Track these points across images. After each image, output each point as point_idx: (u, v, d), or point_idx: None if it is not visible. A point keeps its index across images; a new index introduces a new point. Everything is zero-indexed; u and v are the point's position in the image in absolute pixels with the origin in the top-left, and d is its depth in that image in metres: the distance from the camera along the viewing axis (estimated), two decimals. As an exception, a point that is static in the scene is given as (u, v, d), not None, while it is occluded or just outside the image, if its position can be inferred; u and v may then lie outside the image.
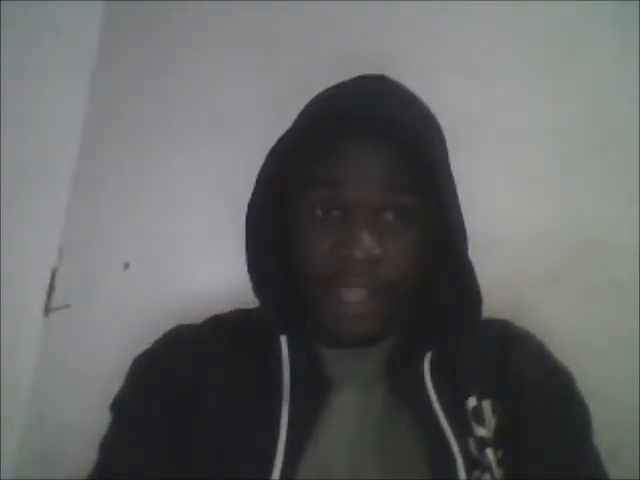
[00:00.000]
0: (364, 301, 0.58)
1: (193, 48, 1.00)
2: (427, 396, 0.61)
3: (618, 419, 0.76)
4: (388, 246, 0.58)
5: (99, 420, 0.65)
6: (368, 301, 0.58)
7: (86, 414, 0.88)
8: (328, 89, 0.65)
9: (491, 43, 0.91)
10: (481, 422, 0.60)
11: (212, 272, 0.92)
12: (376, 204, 0.58)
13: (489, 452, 0.59)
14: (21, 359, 0.93)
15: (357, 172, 0.58)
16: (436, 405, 0.60)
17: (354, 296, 0.58)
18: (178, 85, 0.99)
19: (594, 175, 0.86)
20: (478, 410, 0.61)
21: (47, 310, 0.96)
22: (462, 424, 0.60)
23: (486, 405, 0.61)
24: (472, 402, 0.61)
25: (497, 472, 0.58)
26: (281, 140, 0.60)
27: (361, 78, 0.65)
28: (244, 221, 0.63)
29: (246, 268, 0.64)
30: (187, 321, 0.72)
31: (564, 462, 0.59)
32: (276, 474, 0.57)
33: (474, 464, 0.58)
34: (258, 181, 0.62)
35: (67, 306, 0.96)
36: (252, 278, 0.64)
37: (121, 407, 0.65)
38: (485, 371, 0.63)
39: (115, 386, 0.66)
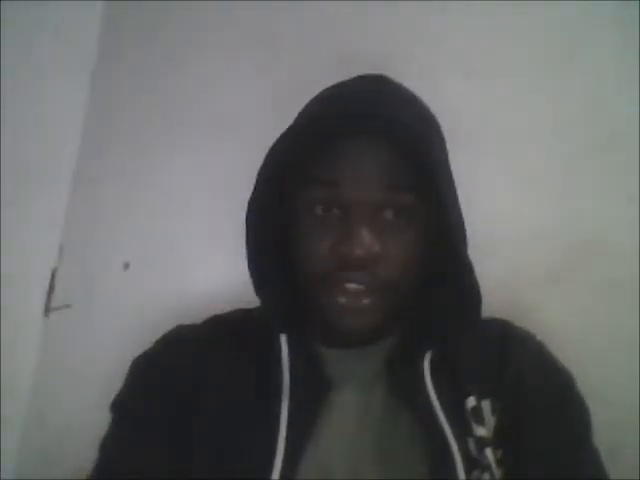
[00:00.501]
0: (365, 294, 0.59)
1: (193, 48, 1.00)
2: (427, 396, 0.61)
3: (618, 419, 0.76)
4: (388, 244, 0.58)
5: (99, 420, 0.65)
6: (369, 295, 0.59)
7: (86, 414, 0.88)
8: (328, 89, 0.65)
9: (491, 43, 0.91)
10: (480, 422, 0.60)
11: (212, 272, 0.92)
12: (376, 202, 0.58)
13: (488, 452, 0.59)
14: (21, 359, 0.93)
15: (357, 172, 0.58)
16: (436, 405, 0.60)
17: (355, 290, 0.58)
18: (178, 85, 0.99)
19: (594, 175, 0.86)
20: (477, 410, 0.61)
21: (47, 310, 0.96)
22: (462, 424, 0.60)
23: (485, 405, 0.61)
24: (471, 402, 0.61)
25: (497, 472, 0.58)
26: (281, 139, 0.60)
27: (361, 78, 0.65)
28: (244, 221, 0.63)
29: (246, 268, 0.64)
30: (187, 321, 0.72)
31: (564, 462, 0.59)
32: (276, 474, 0.57)
33: (473, 464, 0.58)
34: (258, 181, 0.62)
35: (67, 306, 0.96)
36: (252, 278, 0.64)
37: (121, 407, 0.65)
38: (485, 371, 0.63)
39: (115, 386, 0.66)
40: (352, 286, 0.58)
